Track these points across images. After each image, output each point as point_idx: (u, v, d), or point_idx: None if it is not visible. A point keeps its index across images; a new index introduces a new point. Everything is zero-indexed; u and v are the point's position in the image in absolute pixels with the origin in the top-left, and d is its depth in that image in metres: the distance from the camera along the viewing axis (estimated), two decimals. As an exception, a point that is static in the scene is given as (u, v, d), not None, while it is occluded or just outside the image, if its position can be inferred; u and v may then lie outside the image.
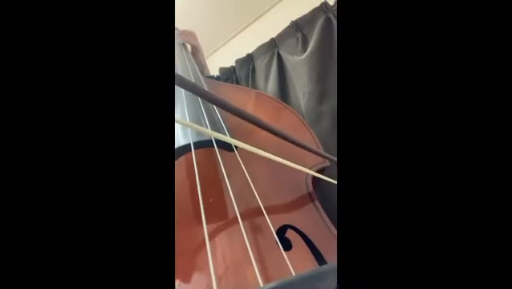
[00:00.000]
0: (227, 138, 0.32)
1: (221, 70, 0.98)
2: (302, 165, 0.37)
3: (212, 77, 0.96)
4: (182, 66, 0.80)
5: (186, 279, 0.28)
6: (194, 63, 0.86)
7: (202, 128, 0.31)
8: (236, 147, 0.42)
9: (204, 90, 0.26)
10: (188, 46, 1.04)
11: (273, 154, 0.33)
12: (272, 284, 0.18)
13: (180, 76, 0.22)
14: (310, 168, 0.40)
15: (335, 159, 0.38)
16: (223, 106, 0.27)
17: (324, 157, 0.40)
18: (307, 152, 0.39)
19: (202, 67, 0.99)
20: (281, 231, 0.30)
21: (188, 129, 0.45)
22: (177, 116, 0.52)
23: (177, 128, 0.47)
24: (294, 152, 0.36)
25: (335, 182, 0.36)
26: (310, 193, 0.38)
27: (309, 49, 0.74)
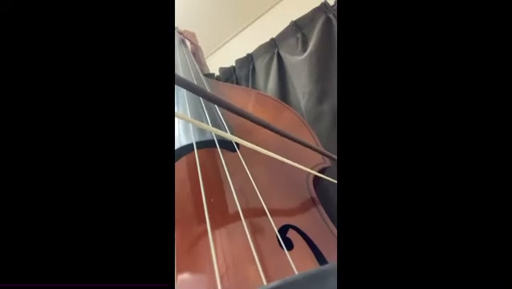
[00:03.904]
0: (228, 135, 0.32)
1: (221, 70, 0.98)
2: (302, 165, 0.37)
3: (211, 74, 0.96)
4: (183, 63, 0.80)
5: (188, 278, 0.28)
6: (194, 60, 0.87)
7: (203, 124, 0.30)
8: (238, 147, 0.42)
9: (204, 90, 0.26)
10: (188, 45, 1.05)
11: (274, 153, 0.33)
12: (276, 282, 0.18)
13: (181, 78, 0.22)
14: (311, 169, 0.40)
15: (335, 157, 0.38)
16: (223, 105, 0.27)
17: (324, 155, 0.40)
18: (308, 153, 0.39)
19: (202, 66, 0.99)
20: (282, 231, 0.30)
21: (191, 129, 0.45)
22: (179, 113, 0.52)
23: (179, 128, 0.47)
24: (294, 152, 0.36)
25: (335, 182, 0.36)
26: (311, 194, 0.38)
27: (309, 49, 0.74)
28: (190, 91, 0.24)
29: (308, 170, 0.38)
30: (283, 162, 0.36)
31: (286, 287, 0.18)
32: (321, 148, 0.41)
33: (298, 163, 0.36)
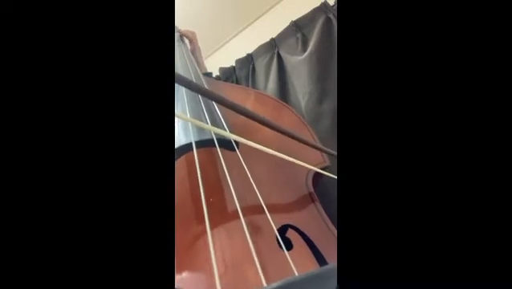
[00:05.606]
0: (227, 133, 0.32)
1: (221, 70, 0.98)
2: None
3: (209, 74, 0.96)
4: (182, 62, 0.80)
5: (187, 278, 0.28)
6: (193, 59, 0.87)
7: (202, 124, 0.31)
8: (237, 146, 0.42)
9: (204, 88, 0.26)
10: (188, 44, 1.05)
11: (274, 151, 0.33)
12: (277, 283, 0.18)
13: (181, 76, 0.22)
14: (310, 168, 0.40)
15: (335, 153, 0.38)
16: (221, 102, 0.27)
17: (323, 151, 0.40)
18: (307, 153, 0.39)
19: (200, 65, 0.99)
20: (281, 231, 0.30)
21: (190, 128, 0.45)
22: (178, 113, 0.52)
23: (179, 127, 0.47)
24: (294, 152, 0.36)
25: (336, 177, 0.36)
26: (310, 194, 0.38)
27: (309, 49, 0.74)
28: (190, 89, 0.24)
29: (309, 167, 0.38)
30: (282, 162, 0.36)
31: (287, 288, 0.18)
32: (319, 145, 0.42)
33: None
